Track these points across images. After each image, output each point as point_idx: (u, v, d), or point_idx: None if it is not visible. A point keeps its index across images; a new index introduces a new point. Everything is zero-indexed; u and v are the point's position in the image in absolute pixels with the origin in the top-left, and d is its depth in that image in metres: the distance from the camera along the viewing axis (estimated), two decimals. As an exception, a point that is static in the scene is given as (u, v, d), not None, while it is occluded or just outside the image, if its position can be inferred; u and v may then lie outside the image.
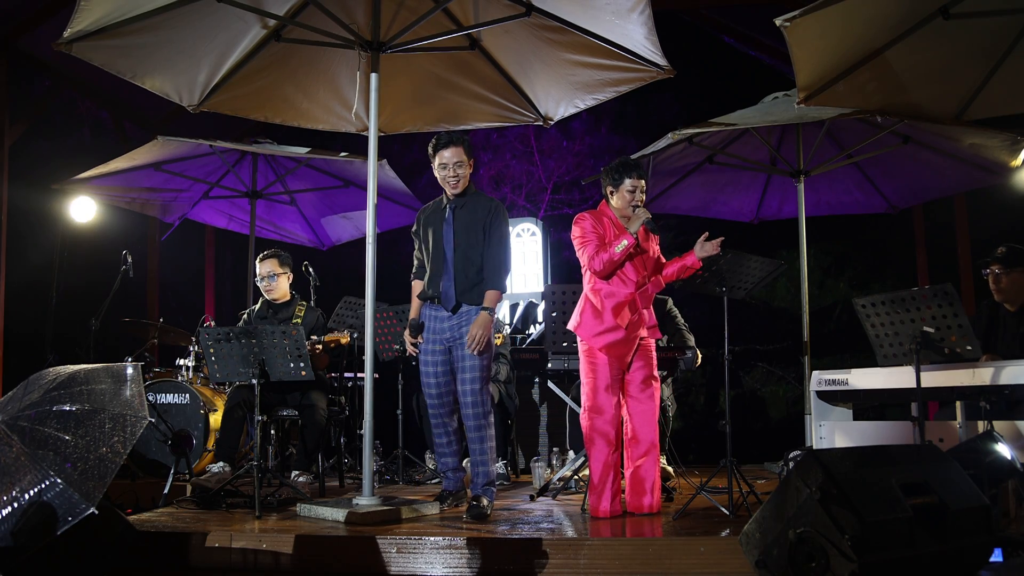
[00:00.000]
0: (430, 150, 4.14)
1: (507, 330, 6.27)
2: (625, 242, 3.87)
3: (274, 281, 5.07)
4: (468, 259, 4.05)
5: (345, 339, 4.83)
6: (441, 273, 4.08)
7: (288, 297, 5.16)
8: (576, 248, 4.05)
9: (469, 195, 4.16)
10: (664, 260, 4.15)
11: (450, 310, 4.06)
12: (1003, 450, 3.45)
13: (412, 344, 4.18)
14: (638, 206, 3.96)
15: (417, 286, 4.25)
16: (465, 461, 4.38)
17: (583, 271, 4.08)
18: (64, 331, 7.15)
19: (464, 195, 4.14)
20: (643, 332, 4.01)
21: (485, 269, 4.06)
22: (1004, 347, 4.39)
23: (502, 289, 4.09)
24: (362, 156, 5.74)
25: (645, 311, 4.03)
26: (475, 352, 3.96)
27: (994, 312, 4.54)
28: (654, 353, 4.10)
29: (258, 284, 5.12)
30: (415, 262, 4.29)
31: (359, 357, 4.99)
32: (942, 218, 7.73)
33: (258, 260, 5.16)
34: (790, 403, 9.61)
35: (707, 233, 3.97)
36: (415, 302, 4.24)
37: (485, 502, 3.97)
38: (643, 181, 4.00)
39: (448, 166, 4.06)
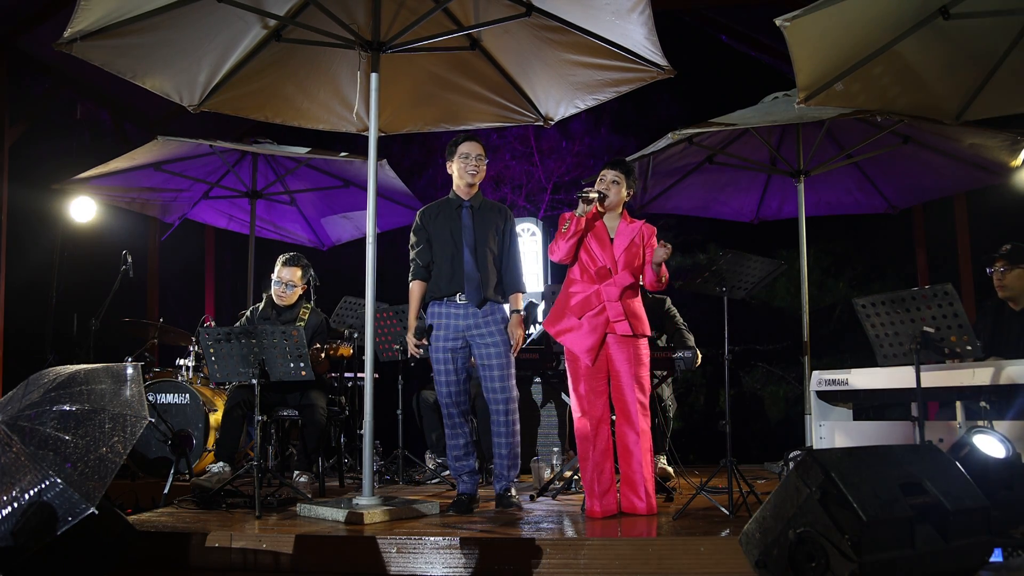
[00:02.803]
0: (451, 147, 4.24)
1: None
2: (568, 223, 3.94)
3: (291, 291, 4.99)
4: (488, 258, 4.16)
5: (347, 351, 4.81)
6: (462, 271, 4.12)
7: (294, 302, 5.12)
8: None
9: (480, 198, 4.28)
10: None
11: (477, 305, 4.11)
12: (988, 444, 3.44)
13: (416, 347, 4.19)
14: (604, 193, 4.01)
15: (417, 287, 4.25)
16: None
17: None
18: (64, 331, 7.15)
19: (475, 197, 4.26)
20: (612, 326, 3.95)
21: (506, 271, 4.23)
22: (1011, 347, 4.38)
23: (524, 290, 4.29)
24: (362, 156, 5.74)
25: (616, 303, 3.95)
26: (515, 352, 4.14)
27: (999, 311, 4.53)
28: (641, 350, 4.02)
29: (273, 286, 5.01)
30: (414, 263, 4.27)
31: (359, 357, 4.99)
32: (942, 218, 7.73)
33: (280, 262, 5.01)
34: (790, 403, 9.60)
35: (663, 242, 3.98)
36: (416, 304, 4.25)
37: (514, 491, 4.15)
38: (616, 172, 4.07)
39: (471, 156, 4.19)
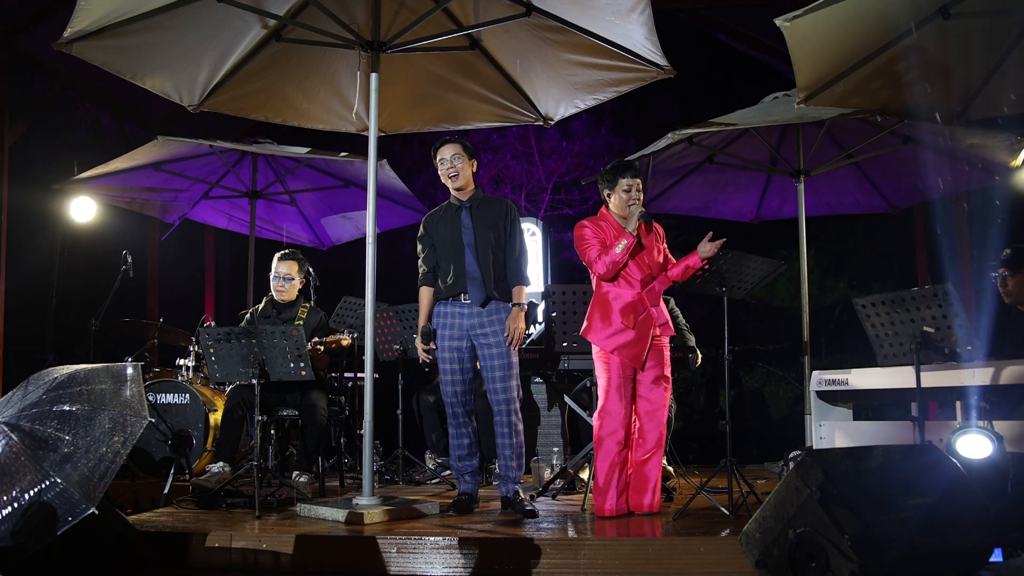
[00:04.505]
0: (433, 156, 4.27)
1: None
2: (624, 241, 3.90)
3: (288, 283, 5.04)
4: (491, 257, 4.13)
5: (346, 341, 4.82)
6: (464, 271, 4.11)
7: (293, 298, 5.14)
8: (580, 255, 4.07)
9: (479, 196, 4.26)
10: (672, 259, 4.15)
11: (480, 305, 4.10)
12: (971, 446, 3.43)
13: (425, 351, 4.18)
14: (635, 204, 3.98)
15: (426, 293, 4.24)
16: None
17: (591, 276, 4.11)
18: (64, 331, 7.16)
19: (474, 196, 4.24)
20: (655, 331, 3.99)
21: (508, 266, 4.19)
22: (1017, 348, 4.37)
23: (527, 283, 4.22)
24: (362, 156, 5.74)
25: (654, 309, 4.01)
26: (515, 348, 4.07)
27: (1006, 311, 4.52)
28: (667, 353, 4.08)
29: (271, 281, 5.07)
30: (421, 269, 4.26)
31: (359, 357, 4.99)
32: (942, 218, 7.74)
33: (277, 257, 5.09)
34: (790, 403, 9.62)
35: (711, 233, 3.98)
36: (426, 311, 4.23)
37: (522, 493, 4.10)
38: (638, 180, 4.04)
39: (446, 160, 4.19)
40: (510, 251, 4.20)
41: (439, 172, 4.25)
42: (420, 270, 4.27)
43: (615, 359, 3.94)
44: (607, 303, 3.99)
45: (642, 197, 4.04)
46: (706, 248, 3.94)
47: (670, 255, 4.16)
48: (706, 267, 3.98)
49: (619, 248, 3.89)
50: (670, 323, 4.08)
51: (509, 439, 4.10)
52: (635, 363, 3.94)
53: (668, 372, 4.06)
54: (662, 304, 4.09)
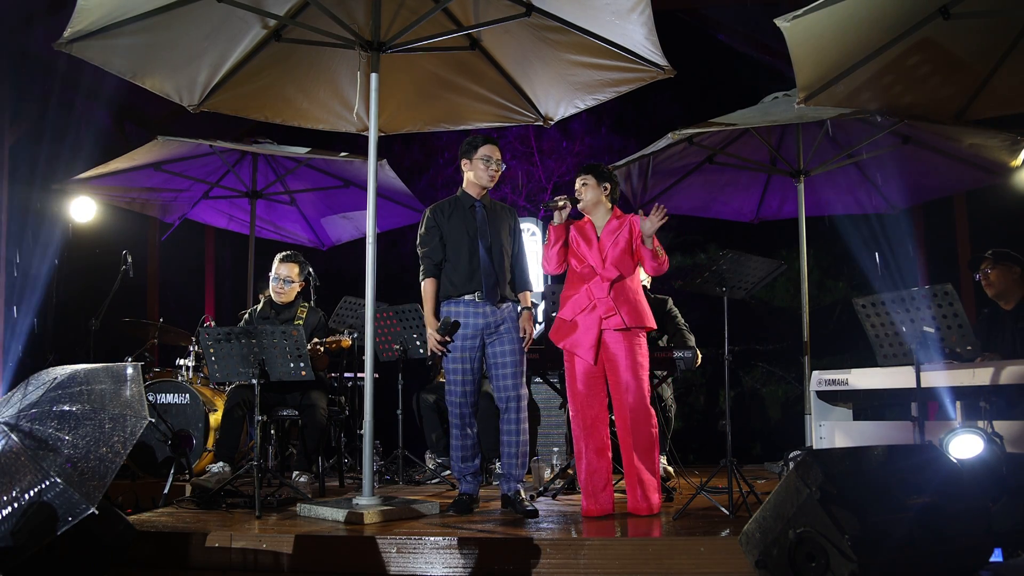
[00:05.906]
0: (467, 147, 4.14)
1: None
2: (548, 233, 4.04)
3: (288, 286, 5.02)
4: (504, 256, 4.17)
5: (347, 343, 4.81)
6: (479, 269, 4.09)
7: (292, 300, 5.13)
8: None
9: (487, 197, 4.27)
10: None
11: (494, 303, 4.09)
12: (961, 446, 3.43)
13: (440, 343, 4.06)
14: (574, 198, 4.10)
15: (432, 285, 4.15)
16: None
17: None
18: (64, 331, 7.15)
19: (485, 196, 4.24)
20: (604, 322, 3.94)
21: (516, 269, 4.24)
22: (1005, 345, 4.40)
23: (533, 288, 4.30)
24: (362, 156, 5.74)
25: (605, 299, 3.95)
26: (527, 347, 4.14)
27: (994, 315, 4.58)
28: (637, 346, 3.98)
29: (271, 282, 5.05)
30: (427, 261, 4.15)
31: (359, 357, 4.99)
32: (942, 218, 7.74)
33: (279, 258, 5.05)
34: (790, 403, 9.61)
35: (642, 211, 4.04)
36: (433, 302, 4.15)
37: (523, 492, 4.10)
38: (580, 176, 4.13)
39: (492, 160, 4.17)
40: (516, 255, 4.25)
41: (477, 167, 4.13)
42: (425, 262, 4.16)
43: (575, 357, 4.01)
44: (562, 304, 4.09)
45: (591, 191, 4.08)
46: (647, 225, 3.90)
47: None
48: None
49: (543, 241, 4.00)
50: (631, 315, 3.96)
51: (515, 436, 4.09)
52: (587, 354, 3.96)
53: (642, 370, 3.97)
54: (626, 296, 3.98)
